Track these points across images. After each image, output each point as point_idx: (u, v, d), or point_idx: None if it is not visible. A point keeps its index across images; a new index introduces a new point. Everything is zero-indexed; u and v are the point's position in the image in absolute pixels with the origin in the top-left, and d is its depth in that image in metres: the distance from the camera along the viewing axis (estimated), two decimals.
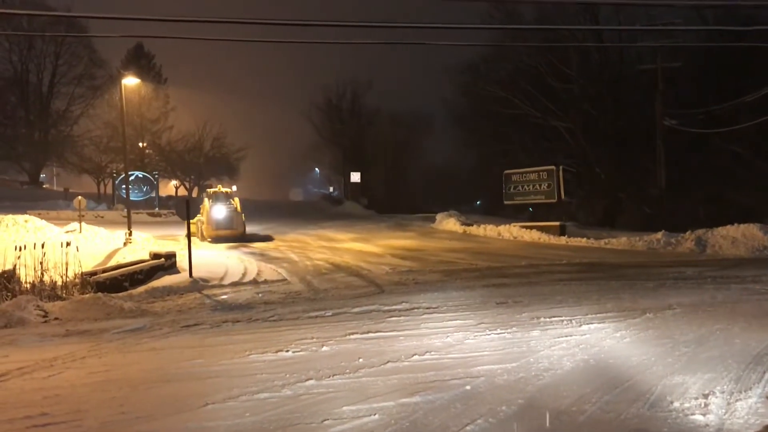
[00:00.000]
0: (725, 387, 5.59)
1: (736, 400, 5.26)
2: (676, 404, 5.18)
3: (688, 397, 5.35)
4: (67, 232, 20.42)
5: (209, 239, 25.61)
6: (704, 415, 4.95)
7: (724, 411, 5.03)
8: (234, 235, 26.03)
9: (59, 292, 11.73)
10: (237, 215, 26.72)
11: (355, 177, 62.64)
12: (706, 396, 5.35)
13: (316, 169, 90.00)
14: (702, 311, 9.22)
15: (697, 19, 32.42)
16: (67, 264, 12.53)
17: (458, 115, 54.89)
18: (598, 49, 38.88)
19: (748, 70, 30.37)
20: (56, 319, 9.91)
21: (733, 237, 19.48)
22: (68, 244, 13.08)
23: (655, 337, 7.59)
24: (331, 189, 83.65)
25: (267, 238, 26.56)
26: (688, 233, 20.76)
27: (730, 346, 7.09)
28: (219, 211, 26.40)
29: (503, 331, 8.05)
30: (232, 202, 27.59)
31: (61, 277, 12.25)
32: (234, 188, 31.91)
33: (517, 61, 41.98)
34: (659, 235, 21.45)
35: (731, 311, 9.20)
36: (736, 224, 20.02)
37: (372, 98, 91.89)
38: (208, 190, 30.92)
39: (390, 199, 68.39)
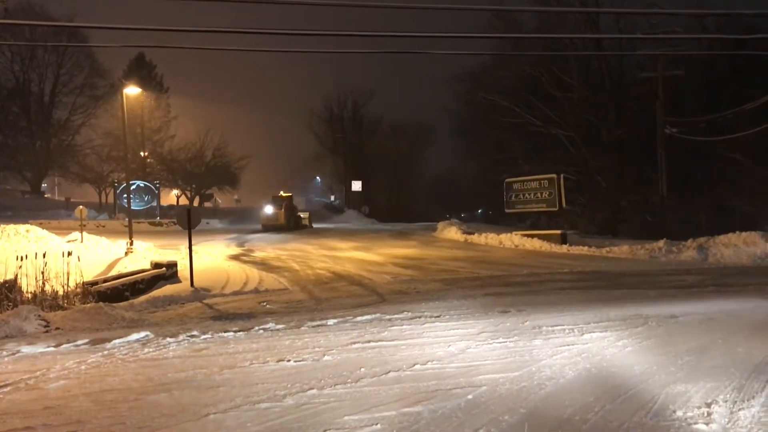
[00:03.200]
0: (728, 396, 5.58)
1: (739, 409, 5.24)
2: (679, 413, 5.16)
3: (690, 406, 5.33)
4: (69, 241, 20.44)
5: (262, 227, 40.24)
6: (707, 424, 4.93)
7: (726, 420, 5.02)
8: (277, 226, 39.92)
9: (60, 302, 11.72)
10: (281, 213, 40.79)
11: (357, 186, 62.75)
12: (708, 405, 5.33)
13: (318, 178, 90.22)
14: (704, 320, 9.20)
15: (698, 27, 32.51)
16: (68, 273, 12.52)
17: (460, 124, 55.19)
18: (599, 58, 38.96)
19: (748, 78, 30.42)
20: (57, 328, 9.90)
21: (735, 245, 19.45)
22: (69, 253, 13.08)
23: (657, 346, 7.58)
24: (333, 198, 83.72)
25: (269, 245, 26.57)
26: (689, 241, 20.74)
27: (732, 355, 7.07)
28: (268, 209, 41.63)
29: (505, 340, 8.03)
30: (282, 203, 41.72)
31: (63, 286, 12.24)
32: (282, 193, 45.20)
33: (518, 70, 42.09)
34: (661, 243, 21.43)
35: (733, 320, 9.18)
36: (737, 232, 20.01)
37: (373, 108, 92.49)
38: (277, 194, 44.39)
39: (391, 208, 68.56)
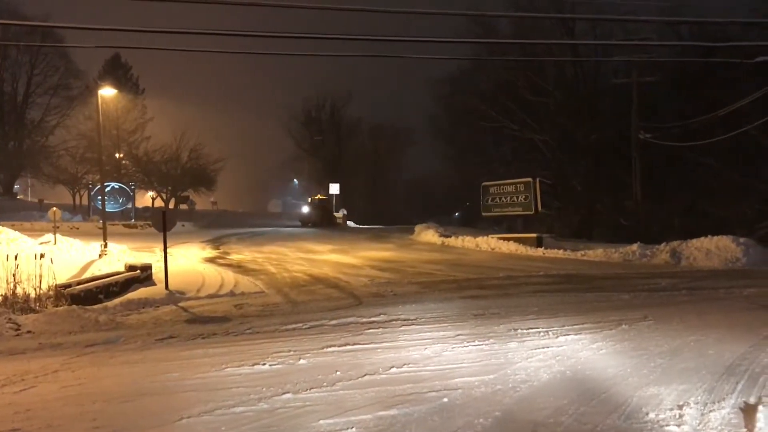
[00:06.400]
0: (699, 398, 5.65)
1: (710, 411, 5.31)
2: (652, 415, 5.22)
3: (663, 408, 5.40)
4: (42, 243, 20.14)
5: (300, 223, 49.19)
6: (679, 426, 4.99)
7: (698, 422, 5.08)
8: (312, 222, 48.40)
9: (32, 305, 11.54)
10: (317, 213, 49.69)
11: (335, 188, 62.53)
12: (680, 407, 5.40)
13: (296, 180, 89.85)
14: (676, 322, 9.32)
15: (672, 35, 32.94)
16: (40, 276, 12.34)
17: (437, 128, 55.35)
18: (574, 64, 39.28)
19: (721, 85, 30.88)
20: (29, 332, 9.75)
21: (707, 249, 19.72)
22: (42, 255, 12.89)
23: (630, 349, 7.66)
24: (310, 200, 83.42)
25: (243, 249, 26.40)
26: (663, 245, 20.99)
27: (704, 357, 7.17)
28: (305, 209, 51.73)
29: (481, 343, 8.07)
30: (318, 204, 51.21)
31: (35, 289, 12.06)
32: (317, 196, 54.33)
33: (495, 75, 42.31)
34: (635, 246, 21.66)
35: (705, 322, 9.31)
36: (710, 236, 20.27)
37: (352, 110, 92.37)
38: (317, 197, 53.99)
39: (369, 211, 68.54)
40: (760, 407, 5.36)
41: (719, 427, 4.98)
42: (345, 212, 61.64)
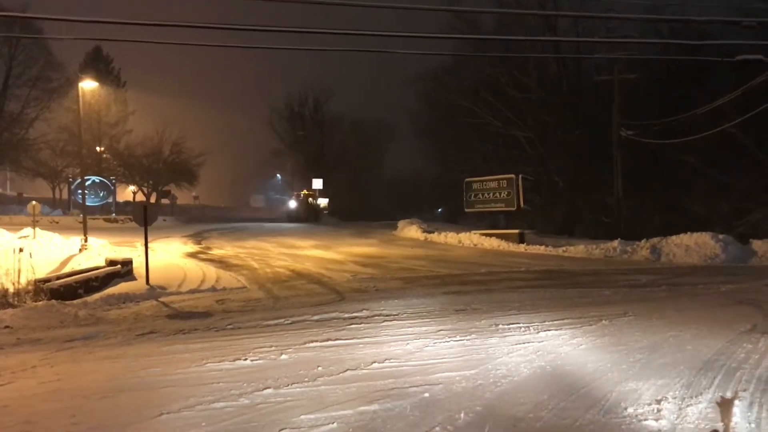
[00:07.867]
0: (677, 393, 5.72)
1: (688, 406, 5.37)
2: (630, 410, 5.27)
3: (641, 402, 5.45)
4: (21, 237, 19.95)
5: (287, 218, 51.63)
6: (657, 420, 5.04)
7: (675, 416, 5.14)
8: (299, 218, 50.76)
9: (11, 300, 11.42)
10: (303, 208, 52.82)
11: (317, 184, 62.44)
12: (659, 402, 5.46)
13: (278, 175, 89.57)
14: (655, 318, 9.41)
15: (653, 32, 33.19)
16: (19, 270, 12.22)
17: (420, 124, 55.39)
18: (557, 61, 39.49)
19: (701, 83, 31.17)
20: (7, 327, 9.65)
21: (687, 245, 19.92)
22: (21, 250, 12.77)
23: (610, 344, 7.72)
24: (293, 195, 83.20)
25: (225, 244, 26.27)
26: (643, 241, 21.17)
27: (682, 352, 7.25)
28: (292, 204, 55.46)
29: (462, 338, 8.10)
30: (309, 200, 54.60)
31: (13, 284, 11.93)
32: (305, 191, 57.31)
33: (478, 71, 42.39)
34: (615, 243, 21.84)
35: (683, 318, 9.41)
36: (689, 233, 20.48)
37: (335, 105, 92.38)
38: (303, 192, 56.73)
39: (352, 206, 68.44)
40: (737, 401, 5.44)
41: (696, 422, 5.04)
42: (327, 200, 62.44)
